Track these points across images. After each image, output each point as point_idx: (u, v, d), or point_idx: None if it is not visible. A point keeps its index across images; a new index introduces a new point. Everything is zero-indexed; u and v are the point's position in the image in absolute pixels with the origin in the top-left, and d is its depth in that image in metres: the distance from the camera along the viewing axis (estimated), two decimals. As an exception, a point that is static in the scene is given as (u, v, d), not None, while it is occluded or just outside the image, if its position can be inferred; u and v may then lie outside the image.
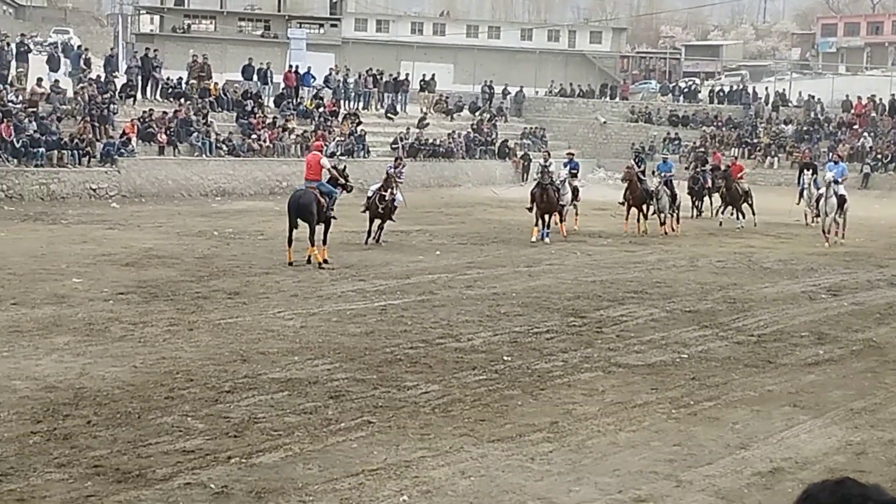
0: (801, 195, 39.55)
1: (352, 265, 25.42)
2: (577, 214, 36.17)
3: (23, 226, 31.26)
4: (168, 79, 48.13)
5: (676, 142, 63.13)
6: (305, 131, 48.43)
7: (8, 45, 45.05)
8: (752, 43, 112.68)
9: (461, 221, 36.82)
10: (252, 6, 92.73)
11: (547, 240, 31.53)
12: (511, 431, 12.89)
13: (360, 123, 51.39)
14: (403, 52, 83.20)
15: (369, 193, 29.92)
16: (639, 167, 36.95)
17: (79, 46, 51.09)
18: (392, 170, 30.47)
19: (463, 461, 11.76)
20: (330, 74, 55.68)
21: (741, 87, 73.83)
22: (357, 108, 54.48)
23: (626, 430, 13.10)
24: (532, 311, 20.60)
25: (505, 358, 16.71)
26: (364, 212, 29.59)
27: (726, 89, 74.14)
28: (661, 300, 22.33)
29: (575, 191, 35.13)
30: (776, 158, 60.79)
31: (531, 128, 62.76)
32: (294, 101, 51.36)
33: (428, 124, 55.18)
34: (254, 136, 45.76)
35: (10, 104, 38.77)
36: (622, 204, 36.35)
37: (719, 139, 63.67)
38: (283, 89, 52.22)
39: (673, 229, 35.78)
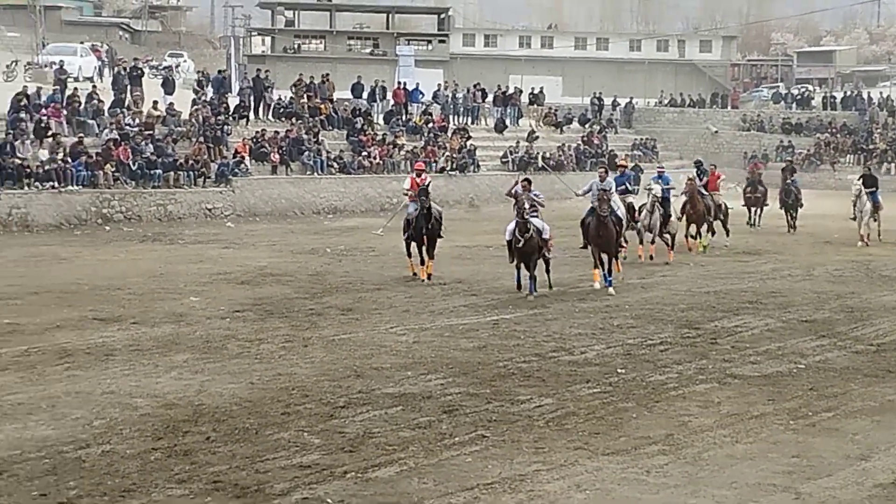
0: None
1: (463, 280, 25.46)
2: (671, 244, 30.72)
3: (141, 246, 31.84)
4: (280, 99, 48.69)
5: (790, 149, 62.30)
6: (415, 147, 48.66)
7: (124, 69, 46.01)
8: (867, 47, 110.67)
9: (572, 234, 36.58)
10: (361, 25, 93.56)
11: (611, 290, 24.07)
12: (626, 444, 12.81)
13: (469, 138, 51.52)
14: (512, 65, 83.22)
15: (507, 237, 23.47)
16: (700, 180, 33.73)
17: (219, 71, 51.85)
18: (521, 193, 23.51)
19: (578, 475, 11.71)
20: (438, 90, 55.90)
21: (855, 92, 72.63)
22: (466, 123, 54.61)
23: (743, 442, 12.94)
24: (645, 323, 20.47)
25: (619, 370, 16.61)
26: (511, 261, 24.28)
27: (839, 95, 72.95)
28: (776, 310, 22.02)
29: (630, 208, 29.74)
30: (892, 164, 59.67)
31: (642, 139, 62.37)
32: (403, 117, 51.65)
33: (538, 137, 55.10)
34: (364, 154, 46.11)
35: (128, 127, 39.56)
36: (679, 220, 32.21)
37: (834, 146, 62.71)
38: (392, 106, 52.55)
39: (651, 256, 30.18)
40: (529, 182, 23.76)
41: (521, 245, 22.79)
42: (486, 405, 14.47)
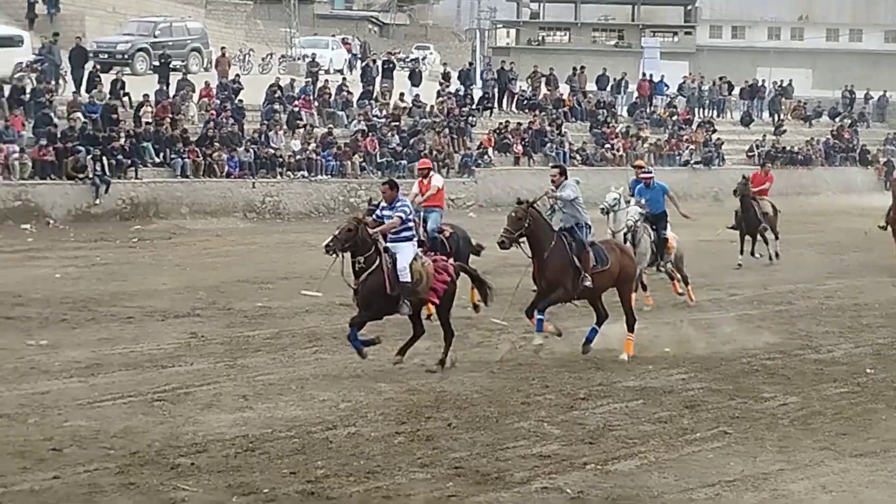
0: None
1: (706, 275, 25.07)
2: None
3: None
4: (523, 90, 48.84)
5: None
6: (658, 140, 48.14)
7: (374, 61, 46.95)
8: None
9: (820, 230, 35.71)
10: (606, 17, 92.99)
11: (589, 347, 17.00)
12: (875, 446, 12.42)
13: (714, 131, 50.66)
14: (760, 58, 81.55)
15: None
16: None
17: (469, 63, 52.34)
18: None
19: (824, 475, 11.42)
20: (684, 82, 55.13)
21: None
22: (711, 116, 53.70)
23: None
24: (896, 323, 19.80)
25: (868, 370, 16.13)
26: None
27: None
28: None
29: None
30: None
31: (894, 133, 60.07)
32: (647, 109, 51.13)
33: (785, 131, 53.77)
34: (607, 146, 45.86)
35: (375, 119, 40.35)
36: (733, 228, 27.25)
37: None
38: (636, 98, 52.08)
39: (645, 290, 21.39)
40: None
41: None
42: (728, 401, 14.26)
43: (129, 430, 12.48)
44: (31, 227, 29.93)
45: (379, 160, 38.46)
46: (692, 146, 48.52)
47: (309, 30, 73.91)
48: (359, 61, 54.68)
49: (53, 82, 36.21)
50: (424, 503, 10.50)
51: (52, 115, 33.08)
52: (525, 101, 47.76)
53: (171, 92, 37.76)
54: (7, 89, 33.65)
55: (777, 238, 27.30)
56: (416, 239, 16.20)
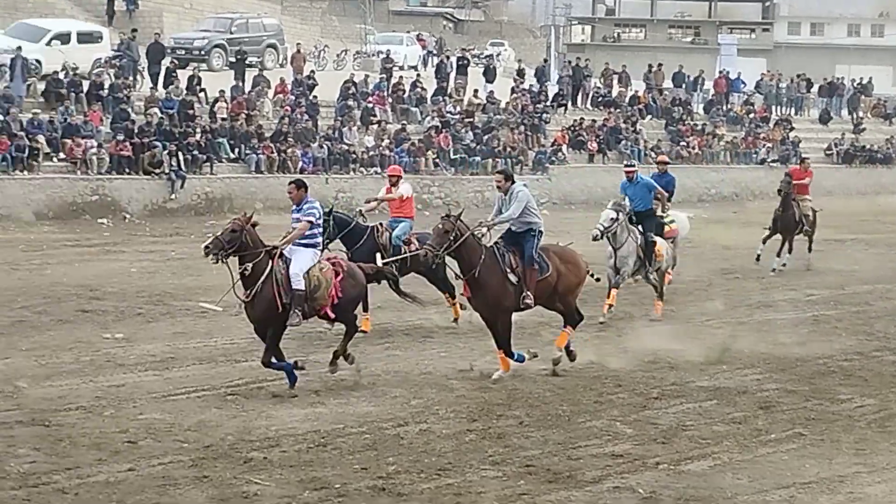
0: None
1: (785, 273, 24.80)
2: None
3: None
4: (597, 87, 48.61)
5: None
6: (735, 138, 47.73)
7: (448, 58, 46.98)
8: None
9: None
10: (682, 13, 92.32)
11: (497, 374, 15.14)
12: (954, 450, 12.23)
13: (792, 129, 50.17)
14: (839, 55, 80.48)
15: None
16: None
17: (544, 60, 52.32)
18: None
19: (901, 479, 11.28)
20: (761, 80, 54.61)
21: None
22: (789, 114, 53.15)
23: None
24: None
25: (947, 373, 15.88)
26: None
27: None
28: None
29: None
30: None
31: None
32: (724, 107, 50.70)
33: (864, 129, 53.08)
34: (682, 143, 45.54)
35: (449, 115, 40.35)
36: (769, 230, 25.44)
37: None
38: (712, 96, 51.67)
39: (610, 306, 19.32)
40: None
41: None
42: (804, 403, 14.10)
43: (203, 423, 12.61)
44: (107, 222, 30.33)
45: (452, 156, 38.50)
46: (769, 144, 48.07)
47: (384, 26, 74.12)
48: (433, 58, 54.69)
49: (131, 78, 36.65)
50: (495, 501, 10.48)
51: (129, 110, 33.49)
52: (600, 99, 47.54)
53: (247, 88, 38.05)
54: (86, 85, 34.06)
55: (811, 249, 25.84)
56: (319, 245, 14.71)
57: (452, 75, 44.58)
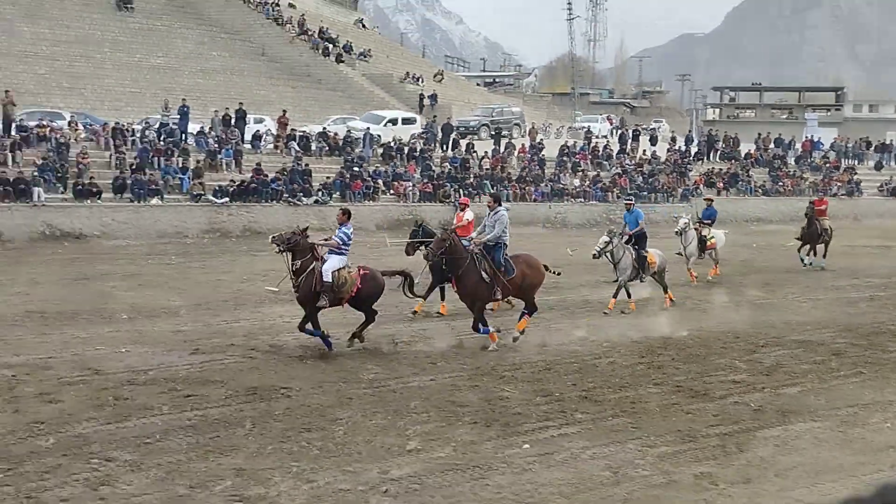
0: None
1: (847, 267, 23.28)
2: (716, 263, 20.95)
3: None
4: (723, 148, 46.72)
5: None
6: (815, 179, 45.10)
7: (627, 130, 46.09)
8: None
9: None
10: (781, 100, 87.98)
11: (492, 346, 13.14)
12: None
13: (855, 174, 47.00)
14: (889, 125, 74.81)
15: None
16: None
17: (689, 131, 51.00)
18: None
19: (932, 404, 10.46)
20: (834, 142, 51.37)
21: None
22: (854, 164, 49.76)
23: None
24: None
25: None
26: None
27: None
28: None
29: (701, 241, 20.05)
30: None
31: None
32: (808, 160, 47.94)
33: (906, 173, 49.26)
34: (780, 183, 43.34)
35: (626, 166, 39.55)
36: (799, 239, 23.23)
37: None
38: (800, 153, 48.95)
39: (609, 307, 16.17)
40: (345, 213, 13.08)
41: None
42: (863, 352, 13.26)
43: (475, 352, 12.63)
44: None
45: (629, 192, 37.68)
46: (839, 183, 45.16)
47: (586, 111, 73.57)
48: (617, 130, 53.72)
49: (432, 145, 37.38)
50: (657, 407, 10.28)
51: (430, 164, 34.14)
52: (725, 154, 45.75)
53: (501, 150, 38.26)
54: (406, 149, 34.95)
55: (825, 254, 23.27)
56: (346, 254, 12.66)
57: (629, 141, 43.71)
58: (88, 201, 25.77)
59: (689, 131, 53.05)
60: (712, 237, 20.29)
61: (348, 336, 12.74)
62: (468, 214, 16.63)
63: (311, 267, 12.28)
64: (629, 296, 16.35)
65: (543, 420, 9.65)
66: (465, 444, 8.83)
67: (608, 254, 16.26)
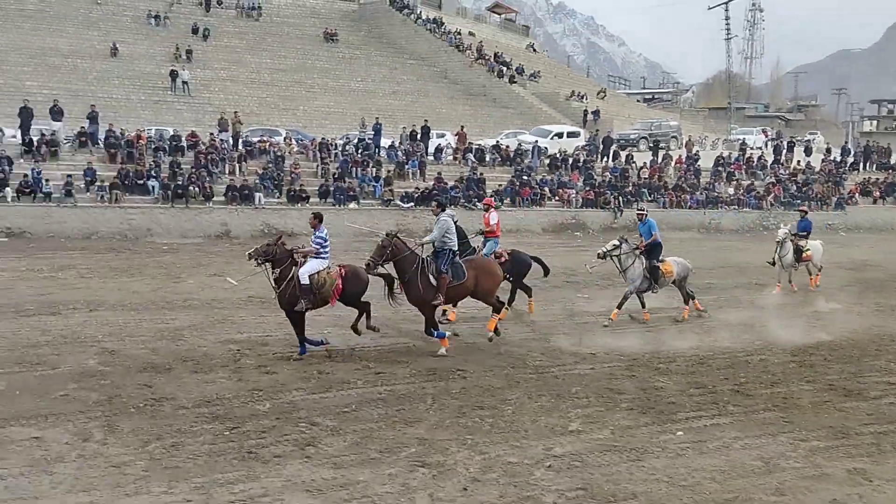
0: None
1: None
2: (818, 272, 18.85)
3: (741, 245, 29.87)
4: (880, 159, 43.15)
5: None
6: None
7: (782, 142, 43.55)
8: None
9: None
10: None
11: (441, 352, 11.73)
12: None
13: None
14: None
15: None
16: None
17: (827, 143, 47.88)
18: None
19: None
20: None
21: None
22: None
23: None
24: None
25: None
26: None
27: None
28: None
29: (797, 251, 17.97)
30: None
31: None
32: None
33: None
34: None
35: (780, 175, 37.33)
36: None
37: None
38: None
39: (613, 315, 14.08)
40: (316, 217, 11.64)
41: None
42: None
43: (623, 347, 12.21)
44: (580, 234, 30.58)
45: (783, 200, 35.61)
46: None
47: (741, 124, 70.14)
48: (772, 142, 50.81)
49: (595, 156, 36.80)
50: (809, 404, 9.68)
51: (593, 173, 33.61)
52: (882, 164, 42.29)
53: (659, 160, 37.13)
54: (570, 160, 34.59)
55: None
56: (327, 258, 11.42)
57: (784, 152, 41.24)
58: (299, 205, 27.24)
59: (846, 142, 49.28)
60: (808, 249, 18.52)
61: (351, 328, 11.86)
62: (493, 217, 14.84)
63: (292, 274, 11.21)
64: (643, 305, 14.30)
65: (696, 410, 9.31)
66: (622, 428, 8.67)
67: (616, 259, 14.21)
